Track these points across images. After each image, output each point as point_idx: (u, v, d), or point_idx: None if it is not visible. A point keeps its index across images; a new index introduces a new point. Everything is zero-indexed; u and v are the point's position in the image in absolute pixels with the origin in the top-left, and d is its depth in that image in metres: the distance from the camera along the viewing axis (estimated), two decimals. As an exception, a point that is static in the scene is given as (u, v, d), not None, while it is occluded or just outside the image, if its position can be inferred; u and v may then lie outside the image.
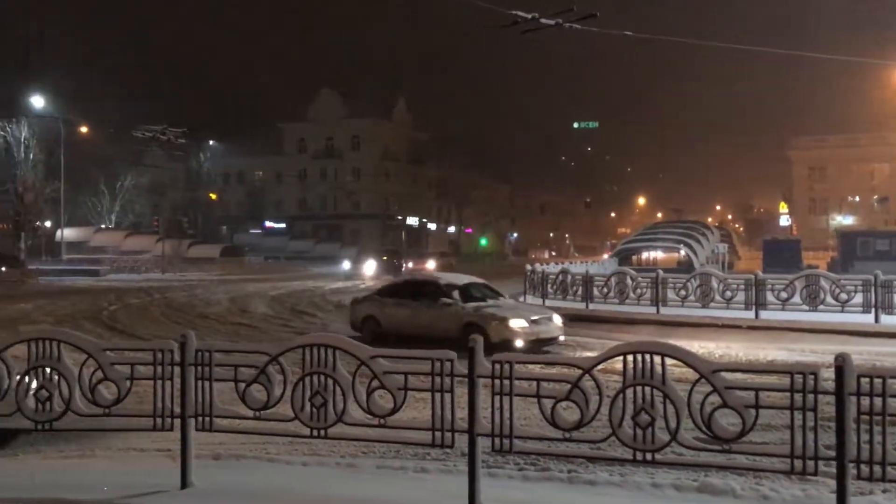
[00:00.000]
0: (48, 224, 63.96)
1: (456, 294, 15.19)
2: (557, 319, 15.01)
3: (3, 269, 43.41)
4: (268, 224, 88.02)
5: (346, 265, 49.31)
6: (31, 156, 57.58)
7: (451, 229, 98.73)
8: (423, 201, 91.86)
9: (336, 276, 45.03)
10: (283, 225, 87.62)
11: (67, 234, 61.94)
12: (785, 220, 65.60)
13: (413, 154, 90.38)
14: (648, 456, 5.01)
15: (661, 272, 20.17)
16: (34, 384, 5.65)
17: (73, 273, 48.80)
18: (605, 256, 71.89)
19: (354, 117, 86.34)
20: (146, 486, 5.69)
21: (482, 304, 15.13)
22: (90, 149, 63.96)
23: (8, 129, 56.97)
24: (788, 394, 4.69)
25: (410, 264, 52.79)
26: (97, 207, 72.84)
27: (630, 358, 4.98)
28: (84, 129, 61.22)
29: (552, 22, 17.25)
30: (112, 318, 21.60)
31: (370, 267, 46.98)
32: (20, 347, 5.72)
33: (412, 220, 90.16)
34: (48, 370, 5.63)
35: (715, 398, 4.81)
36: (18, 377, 5.69)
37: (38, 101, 56.85)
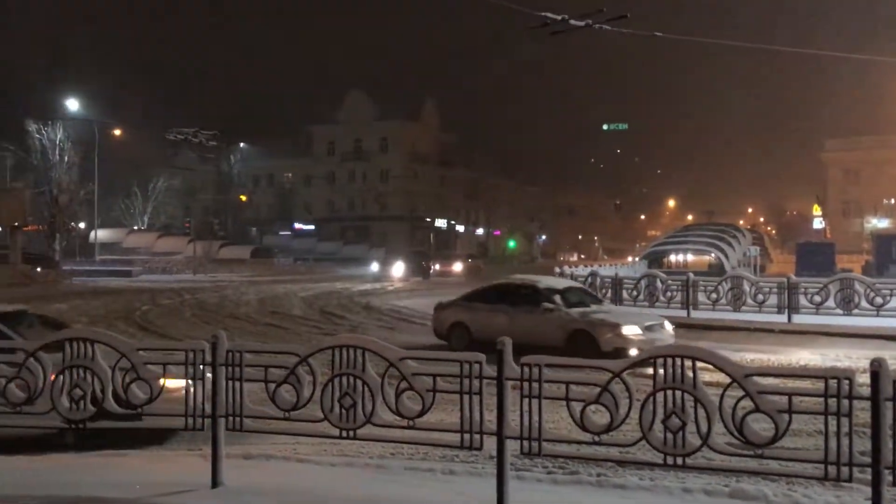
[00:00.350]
0: (82, 225, 64.93)
1: (558, 299, 14.17)
2: (669, 326, 14.16)
3: (39, 269, 44.24)
4: (297, 226, 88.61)
5: (375, 267, 49.12)
6: (66, 158, 58.48)
7: (480, 231, 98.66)
8: (452, 203, 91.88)
9: (364, 278, 45.07)
10: (311, 227, 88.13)
11: (101, 235, 62.85)
12: (818, 223, 64.64)
13: (441, 156, 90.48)
14: (679, 460, 4.96)
15: (691, 275, 19.99)
16: (68, 383, 5.72)
17: (106, 274, 49.48)
18: (630, 259, 71.36)
19: (383, 119, 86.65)
20: (178, 485, 5.75)
21: (587, 309, 14.12)
22: (124, 151, 64.87)
23: (43, 131, 57.92)
24: (822, 399, 4.63)
25: (437, 266, 52.51)
26: (130, 209, 73.87)
27: (661, 361, 4.95)
28: (118, 132, 62.14)
29: (582, 23, 17.17)
30: (144, 319, 21.87)
31: (398, 269, 46.70)
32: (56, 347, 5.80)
33: (440, 222, 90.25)
34: (82, 370, 5.71)
35: (747, 402, 4.76)
36: (53, 376, 5.77)
37: (72, 105, 57.77)
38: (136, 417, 5.98)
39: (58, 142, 58.11)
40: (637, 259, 45.76)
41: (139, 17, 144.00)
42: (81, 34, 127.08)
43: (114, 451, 7.44)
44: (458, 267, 53.20)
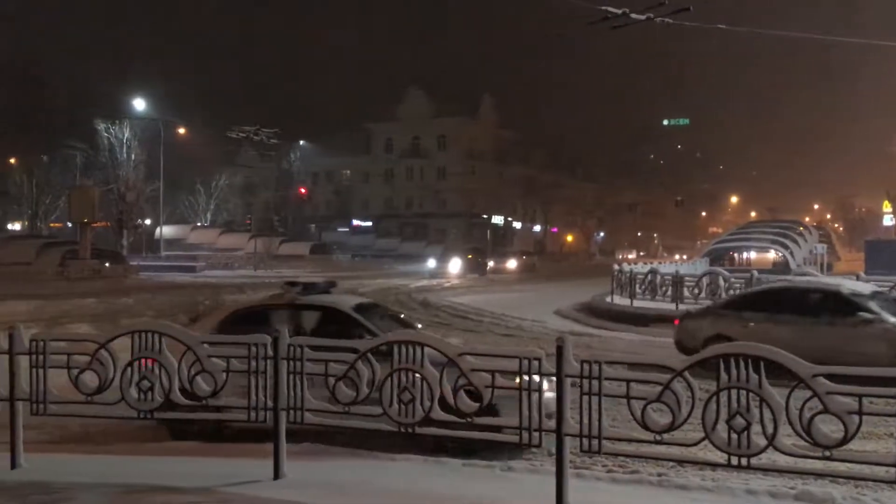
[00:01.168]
0: (148, 222, 66.73)
1: (875, 306, 11.53)
2: None
3: (107, 264, 45.55)
4: (355, 223, 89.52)
5: (432, 263, 49.12)
6: (133, 156, 60.16)
7: (537, 228, 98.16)
8: (509, 200, 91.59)
9: (421, 275, 45.28)
10: (369, 223, 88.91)
11: (166, 231, 64.46)
12: (889, 220, 62.42)
13: (499, 152, 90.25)
14: (743, 461, 4.86)
15: (755, 273, 19.55)
16: (137, 375, 5.88)
17: (170, 269, 50.70)
18: (682, 257, 69.96)
19: (441, 116, 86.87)
20: (240, 476, 5.86)
21: None
22: (187, 149, 66.38)
23: (111, 130, 59.66)
24: None
25: (491, 263, 52.13)
26: (193, 206, 75.56)
27: (725, 361, 4.85)
28: (182, 131, 63.63)
29: (643, 17, 16.93)
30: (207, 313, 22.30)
31: (455, 265, 46.70)
32: (124, 339, 5.97)
33: (497, 219, 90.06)
34: (150, 361, 5.86)
35: (815, 403, 4.64)
36: (122, 368, 5.94)
37: (139, 104, 59.33)
38: (201, 409, 6.10)
39: (125, 140, 59.83)
40: (698, 257, 44.89)
41: (202, 17, 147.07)
42: (146, 34, 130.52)
43: (183, 442, 7.63)
44: (512, 264, 52.82)
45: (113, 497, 5.32)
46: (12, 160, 66.01)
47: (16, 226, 69.69)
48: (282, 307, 8.59)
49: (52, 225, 71.08)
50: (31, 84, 63.34)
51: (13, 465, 6.12)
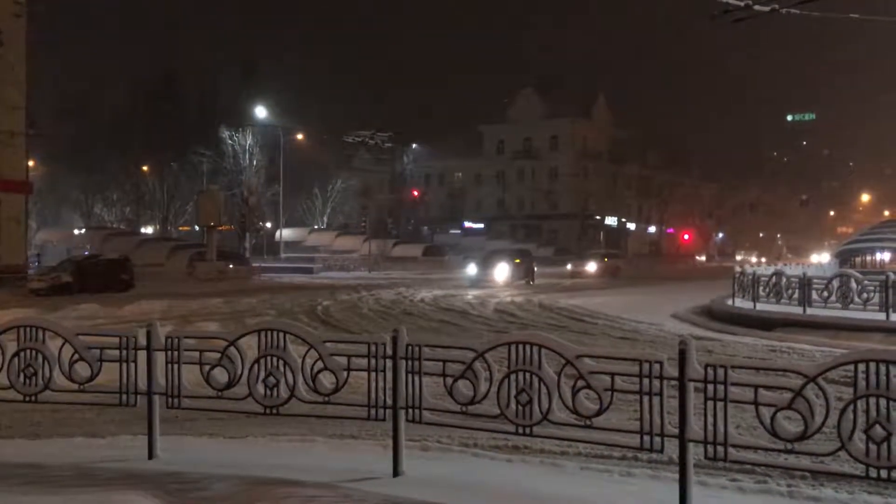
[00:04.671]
0: (269, 225, 69.33)
1: None
2: None
3: (231, 265, 47.63)
4: (467, 224, 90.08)
5: (472, 270, 39.59)
6: (255, 162, 62.67)
7: (652, 229, 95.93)
8: (623, 200, 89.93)
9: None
10: (481, 225, 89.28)
11: (286, 234, 66.78)
12: None
13: (613, 152, 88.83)
14: (883, 473, 4.58)
15: (891, 275, 18.41)
16: (263, 371, 6.11)
17: (290, 270, 52.49)
18: (815, 257, 66.40)
19: (553, 117, 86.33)
20: (361, 473, 5.99)
21: None
22: (306, 155, 68.55)
23: (235, 137, 62.34)
24: None
25: (569, 266, 49.13)
26: (311, 209, 77.98)
27: (862, 367, 4.59)
28: (300, 137, 65.80)
29: (767, 8, 16.27)
30: (326, 313, 22.99)
31: (502, 271, 38.58)
32: (250, 337, 6.21)
33: (611, 220, 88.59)
34: (275, 359, 6.07)
35: (966, 415, 4.32)
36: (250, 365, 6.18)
37: (260, 112, 61.74)
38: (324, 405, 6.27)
39: (248, 147, 62.42)
40: (826, 258, 42.57)
41: (318, 25, 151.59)
42: (268, 43, 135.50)
43: (301, 436, 7.88)
44: (591, 267, 48.33)
45: (241, 488, 5.54)
46: (145, 168, 70.06)
47: (148, 229, 73.89)
48: None
49: (181, 228, 75.02)
50: (165, 96, 67.12)
51: (150, 456, 6.47)
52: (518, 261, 40.21)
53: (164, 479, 5.75)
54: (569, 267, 49.60)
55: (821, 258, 61.34)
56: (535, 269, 41.54)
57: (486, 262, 39.60)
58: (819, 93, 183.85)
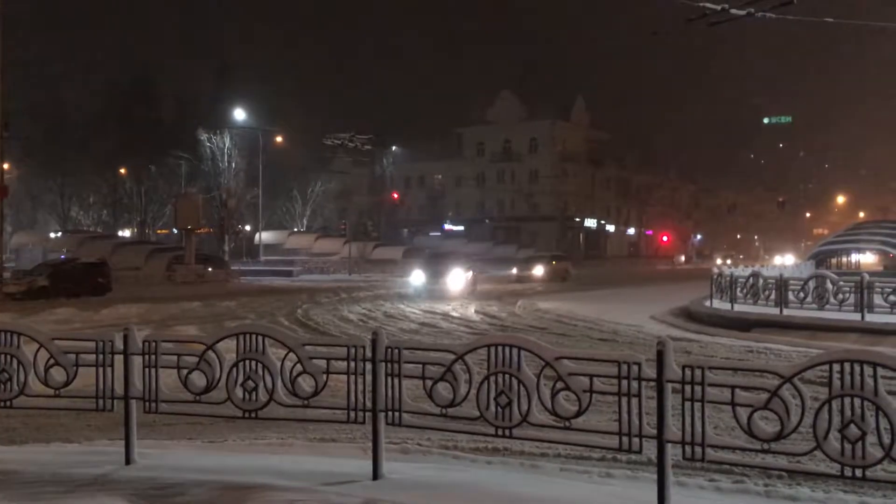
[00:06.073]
0: (248, 227, 68.95)
1: None
2: None
3: (210, 269, 47.31)
4: (447, 227, 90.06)
5: (419, 280, 33.80)
6: (234, 165, 62.31)
7: (631, 231, 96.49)
8: (602, 202, 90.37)
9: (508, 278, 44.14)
10: (461, 228, 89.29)
11: (265, 237, 66.43)
12: None
13: (592, 154, 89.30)
14: (858, 472, 4.63)
15: (866, 275, 18.64)
16: (242, 375, 6.07)
17: (269, 273, 52.21)
18: (779, 258, 66.95)
19: (532, 119, 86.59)
20: (340, 476, 5.97)
21: None
22: (285, 157, 68.25)
23: (213, 139, 61.97)
24: None
25: (514, 270, 45.08)
26: (291, 212, 77.65)
27: (837, 367, 4.64)
28: (279, 139, 65.50)
29: (743, 12, 16.41)
30: (306, 316, 22.90)
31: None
32: (229, 340, 6.17)
33: (590, 222, 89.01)
34: (254, 363, 6.04)
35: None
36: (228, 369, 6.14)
37: (239, 114, 61.41)
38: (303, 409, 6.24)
39: (226, 149, 62.05)
40: (790, 260, 42.90)
41: (294, 25, 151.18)
42: (245, 44, 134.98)
43: (280, 440, 7.85)
44: (539, 271, 43.96)
45: (220, 492, 5.50)
46: (122, 170, 69.45)
47: (126, 233, 73.24)
48: None
49: (159, 231, 74.45)
50: (140, 97, 66.58)
51: (128, 461, 6.41)
52: (462, 268, 34.21)
53: (141, 485, 5.70)
54: (514, 271, 45.24)
55: (784, 259, 61.92)
56: (472, 274, 34.50)
57: (432, 269, 34.13)
58: (795, 96, 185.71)
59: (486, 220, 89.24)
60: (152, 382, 6.31)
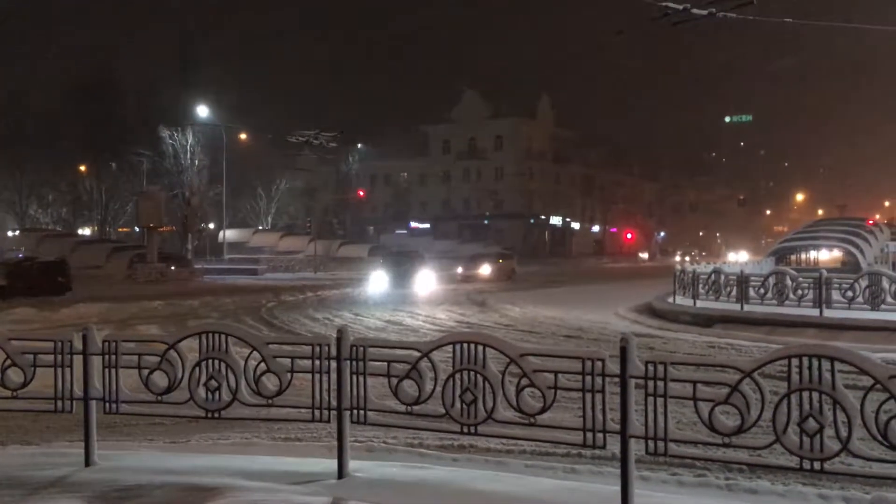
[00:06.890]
0: (212, 226, 68.19)
1: None
2: None
3: (173, 267, 46.69)
4: (413, 224, 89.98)
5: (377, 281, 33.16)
6: (197, 162, 61.54)
7: (595, 228, 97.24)
8: (567, 200, 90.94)
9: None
10: (427, 225, 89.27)
11: (229, 235, 65.70)
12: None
13: (557, 152, 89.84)
14: (816, 465, 4.72)
15: (824, 272, 18.99)
16: (204, 375, 6.00)
17: (233, 272, 51.63)
18: (733, 255, 67.88)
19: (497, 117, 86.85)
20: (305, 476, 5.93)
21: None
22: (249, 154, 67.57)
23: (175, 137, 61.14)
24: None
25: (460, 269, 43.05)
26: (255, 210, 76.94)
27: (796, 361, 4.72)
28: (243, 136, 64.84)
29: (705, 12, 16.62)
30: (270, 314, 22.72)
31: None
32: (191, 340, 6.09)
33: (556, 220, 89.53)
34: (217, 362, 5.97)
35: (892, 405, 4.48)
36: (191, 368, 6.06)
37: (202, 111, 60.64)
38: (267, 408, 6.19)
39: (189, 146, 61.27)
40: (743, 256, 43.41)
41: (260, 22, 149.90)
42: (206, 41, 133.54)
43: (244, 440, 7.77)
44: (485, 270, 42.44)
45: (181, 494, 5.43)
46: (82, 168, 68.26)
47: (86, 231, 72.00)
48: None
49: (120, 230, 73.29)
50: (100, 94, 65.44)
51: (87, 463, 6.31)
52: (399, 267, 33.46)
53: (101, 487, 5.60)
54: (459, 270, 43.26)
55: (738, 256, 62.87)
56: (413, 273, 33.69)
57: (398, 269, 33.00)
58: (755, 95, 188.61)
59: (452, 218, 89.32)
60: (112, 383, 6.21)
